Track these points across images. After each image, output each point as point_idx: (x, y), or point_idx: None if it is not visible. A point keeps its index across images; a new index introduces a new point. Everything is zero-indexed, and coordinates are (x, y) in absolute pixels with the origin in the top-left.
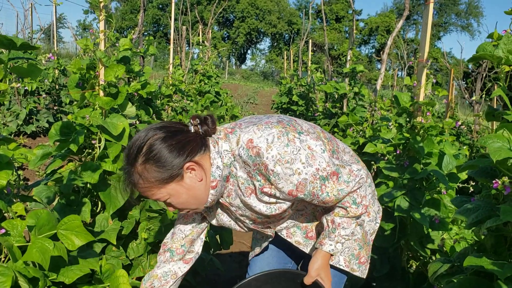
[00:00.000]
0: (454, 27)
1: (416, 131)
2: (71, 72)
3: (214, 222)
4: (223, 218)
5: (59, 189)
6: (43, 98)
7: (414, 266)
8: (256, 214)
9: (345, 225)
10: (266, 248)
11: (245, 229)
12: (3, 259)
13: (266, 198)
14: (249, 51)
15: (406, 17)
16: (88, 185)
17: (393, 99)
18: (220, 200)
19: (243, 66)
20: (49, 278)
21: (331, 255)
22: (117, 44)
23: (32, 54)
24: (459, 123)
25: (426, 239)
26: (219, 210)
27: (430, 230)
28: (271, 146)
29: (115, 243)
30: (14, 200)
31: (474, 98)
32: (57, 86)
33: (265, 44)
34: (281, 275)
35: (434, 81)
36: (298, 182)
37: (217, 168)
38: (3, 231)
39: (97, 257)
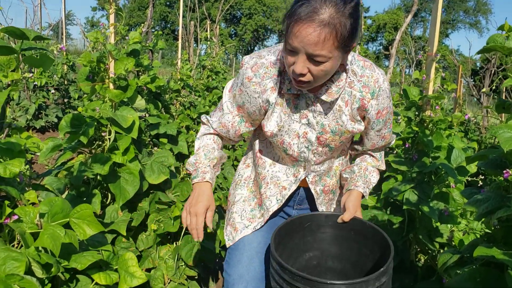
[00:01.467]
0: (462, 25)
1: (425, 124)
2: (81, 65)
3: (272, 126)
4: (292, 125)
5: (69, 180)
6: (52, 93)
7: (423, 260)
8: (325, 136)
9: (375, 174)
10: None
11: (295, 152)
12: (16, 245)
13: (352, 118)
14: (256, 48)
15: (414, 13)
16: (98, 177)
17: (402, 93)
18: (320, 96)
19: None
20: (62, 265)
21: (362, 196)
22: (127, 38)
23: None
24: (468, 115)
25: (434, 232)
26: (295, 116)
27: (438, 223)
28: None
29: (125, 234)
30: (27, 189)
31: (484, 90)
32: (65, 82)
33: (272, 41)
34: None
35: (443, 74)
36: (388, 106)
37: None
38: (16, 217)
39: (108, 244)
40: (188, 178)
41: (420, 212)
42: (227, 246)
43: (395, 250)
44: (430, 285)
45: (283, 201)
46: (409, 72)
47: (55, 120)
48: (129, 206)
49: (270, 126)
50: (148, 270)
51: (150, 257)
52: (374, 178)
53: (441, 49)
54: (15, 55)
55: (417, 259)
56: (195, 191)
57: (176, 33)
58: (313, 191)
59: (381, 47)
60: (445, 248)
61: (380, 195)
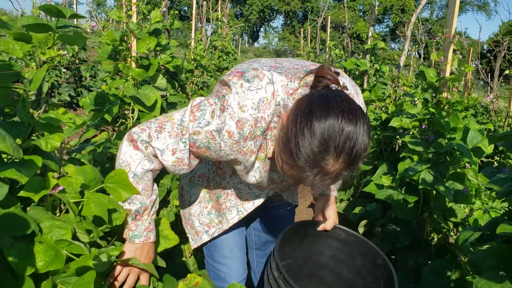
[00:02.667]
0: (470, 7)
1: (442, 106)
2: (104, 43)
3: (250, 180)
4: (270, 175)
5: (93, 157)
6: (64, 72)
7: (436, 239)
8: None
9: None
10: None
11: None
12: (58, 214)
13: None
14: (262, 29)
15: None
16: None
17: (419, 75)
18: None
19: (255, 44)
20: (100, 229)
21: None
22: (148, 17)
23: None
24: (491, 96)
25: (448, 212)
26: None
27: (452, 203)
28: None
29: (158, 216)
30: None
31: (507, 71)
32: (77, 61)
33: (278, 22)
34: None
35: (460, 56)
36: None
37: None
38: (60, 188)
39: None
40: None
41: (435, 192)
42: (191, 246)
43: (409, 229)
44: (445, 263)
45: (245, 214)
46: (415, 54)
47: (68, 98)
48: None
49: (248, 179)
50: None
51: None
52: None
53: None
54: (51, 32)
55: (430, 238)
56: (137, 252)
57: (183, 13)
58: (279, 192)
59: (387, 29)
60: (459, 228)
61: (395, 175)
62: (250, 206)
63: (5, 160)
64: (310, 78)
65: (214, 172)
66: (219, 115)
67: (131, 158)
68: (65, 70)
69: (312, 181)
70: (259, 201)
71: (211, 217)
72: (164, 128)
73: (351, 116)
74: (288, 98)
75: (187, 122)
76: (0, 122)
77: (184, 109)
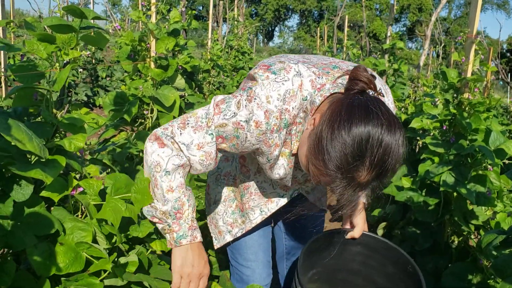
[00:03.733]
0: (489, 6)
1: (463, 107)
2: (123, 44)
3: (274, 176)
4: (294, 173)
5: (112, 157)
6: (80, 72)
7: (456, 241)
8: None
9: None
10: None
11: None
12: (80, 215)
13: None
14: (276, 28)
15: None
16: (141, 154)
17: (439, 75)
18: None
19: (270, 44)
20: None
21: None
22: (167, 17)
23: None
24: None
25: (470, 214)
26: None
27: (474, 206)
28: None
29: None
30: (86, 163)
31: None
32: (93, 61)
33: (293, 21)
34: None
35: (482, 56)
36: None
37: None
38: (81, 189)
39: None
40: None
41: (456, 194)
42: (214, 246)
43: (429, 231)
44: (465, 266)
45: (268, 214)
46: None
47: (85, 98)
48: None
49: (272, 175)
50: None
51: None
52: None
53: (467, 31)
54: (74, 33)
55: (450, 241)
56: (188, 255)
57: (198, 13)
58: (304, 194)
59: (404, 28)
60: (480, 231)
61: (415, 177)
62: (274, 206)
63: (30, 160)
64: (341, 76)
65: (239, 170)
66: (245, 105)
67: (159, 157)
68: (81, 69)
69: (340, 190)
70: (282, 202)
71: (235, 216)
72: (188, 123)
73: (390, 128)
74: (315, 93)
75: (212, 114)
76: (25, 123)
77: (207, 105)
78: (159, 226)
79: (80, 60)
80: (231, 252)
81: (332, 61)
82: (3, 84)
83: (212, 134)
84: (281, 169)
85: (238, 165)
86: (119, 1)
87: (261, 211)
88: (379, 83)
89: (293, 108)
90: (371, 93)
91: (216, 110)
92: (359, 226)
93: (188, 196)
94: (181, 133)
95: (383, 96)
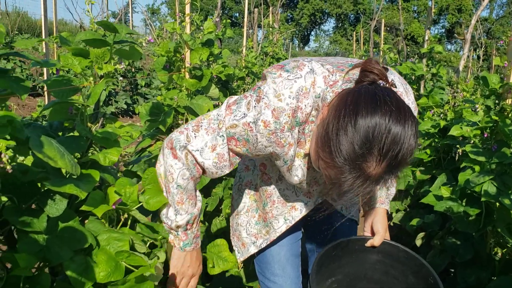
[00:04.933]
0: None
1: (506, 114)
2: (158, 54)
3: (293, 180)
4: (313, 174)
5: (149, 166)
6: (120, 80)
7: (500, 253)
8: None
9: (395, 183)
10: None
11: (312, 193)
12: (114, 226)
13: None
14: (312, 33)
15: None
16: None
17: (479, 79)
18: None
19: (306, 48)
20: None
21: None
22: (201, 28)
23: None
24: None
25: None
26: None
27: None
28: None
29: (202, 218)
30: (119, 175)
31: None
32: (133, 69)
33: (329, 25)
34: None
35: None
36: None
37: None
38: (119, 201)
39: None
40: None
41: (498, 204)
42: (238, 260)
43: (470, 242)
44: (511, 280)
45: (293, 222)
46: (474, 56)
47: (125, 106)
48: (205, 191)
49: (291, 179)
50: None
51: None
52: (394, 187)
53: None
54: (108, 47)
55: (493, 252)
56: (187, 257)
57: (234, 20)
58: (330, 201)
59: (443, 30)
60: None
61: (455, 186)
62: (298, 214)
63: (64, 174)
64: (355, 72)
65: (260, 178)
66: (255, 106)
67: (172, 168)
68: (121, 78)
69: (351, 185)
70: (307, 209)
71: (258, 227)
72: (201, 125)
73: (400, 117)
74: (327, 90)
75: (223, 116)
76: (60, 137)
77: (220, 106)
78: (166, 228)
79: (120, 69)
80: (258, 266)
81: (350, 60)
82: (46, 96)
83: (223, 136)
84: (299, 170)
85: (259, 173)
86: (158, 10)
87: (285, 219)
88: (398, 80)
89: (305, 105)
90: (382, 84)
91: (228, 111)
92: (379, 234)
93: (199, 208)
94: (195, 136)
95: (395, 87)
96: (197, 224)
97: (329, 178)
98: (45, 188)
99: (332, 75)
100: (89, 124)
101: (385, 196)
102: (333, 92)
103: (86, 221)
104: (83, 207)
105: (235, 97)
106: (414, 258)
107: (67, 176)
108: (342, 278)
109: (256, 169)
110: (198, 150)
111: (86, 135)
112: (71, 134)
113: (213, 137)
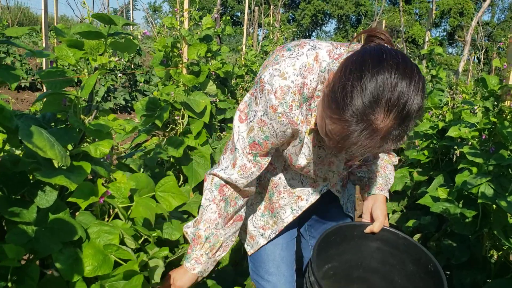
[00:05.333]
0: None
1: (504, 115)
2: (156, 49)
3: (302, 161)
4: (319, 153)
5: (144, 161)
6: (119, 77)
7: (496, 256)
8: (354, 161)
9: (393, 172)
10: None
11: (318, 176)
12: (106, 219)
13: None
14: (314, 33)
15: None
16: (172, 159)
17: (479, 82)
18: None
19: None
20: (153, 234)
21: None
22: (199, 23)
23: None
24: None
25: (510, 228)
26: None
27: None
28: None
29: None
30: (112, 168)
31: None
32: (132, 66)
33: (330, 26)
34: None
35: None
36: None
37: None
38: (109, 193)
39: (185, 220)
40: None
41: (495, 207)
42: (248, 253)
43: (466, 245)
44: (506, 282)
45: (299, 212)
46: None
47: (123, 102)
48: (200, 188)
49: (299, 160)
50: None
51: None
52: (393, 176)
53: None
54: (103, 39)
55: (489, 255)
56: (182, 276)
57: (235, 18)
58: (336, 193)
59: (445, 33)
60: None
61: (452, 187)
62: (304, 204)
63: (56, 166)
64: (359, 45)
65: (265, 169)
66: (260, 97)
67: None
68: (120, 74)
69: (357, 138)
70: (312, 199)
71: (265, 218)
72: (227, 147)
73: (406, 72)
74: (333, 63)
75: (237, 127)
76: (52, 128)
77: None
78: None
79: (120, 65)
80: (252, 264)
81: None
82: (44, 89)
83: (237, 148)
84: (305, 148)
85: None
86: (159, 7)
87: (292, 210)
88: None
89: (311, 81)
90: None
91: (243, 117)
92: (379, 220)
93: (210, 235)
94: (223, 158)
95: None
96: (201, 249)
97: (336, 134)
98: (35, 179)
99: (337, 49)
100: (82, 116)
101: (384, 184)
102: (339, 63)
103: (77, 213)
104: (70, 198)
105: (241, 104)
106: (414, 245)
107: (58, 168)
108: (338, 265)
109: None
110: (222, 169)
111: (78, 127)
112: (64, 125)
113: (235, 153)
